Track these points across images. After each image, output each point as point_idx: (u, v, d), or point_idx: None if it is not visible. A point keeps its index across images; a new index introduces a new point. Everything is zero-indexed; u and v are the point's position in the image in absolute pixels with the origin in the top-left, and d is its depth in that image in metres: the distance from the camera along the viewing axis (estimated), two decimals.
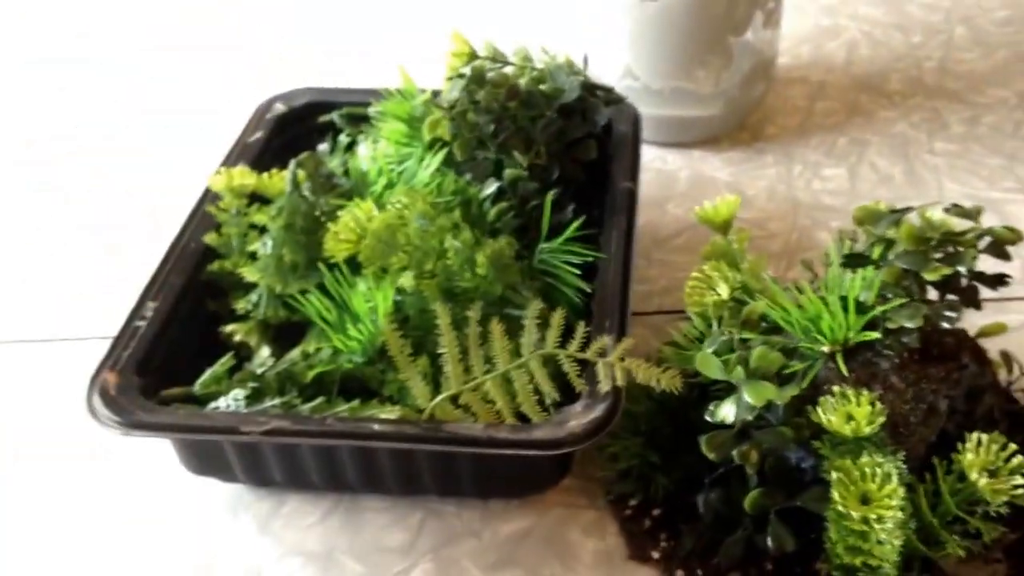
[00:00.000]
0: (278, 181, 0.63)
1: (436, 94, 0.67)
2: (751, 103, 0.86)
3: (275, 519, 0.56)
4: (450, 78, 0.66)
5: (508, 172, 0.60)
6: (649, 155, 0.85)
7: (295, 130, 0.73)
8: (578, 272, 0.58)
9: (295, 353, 0.54)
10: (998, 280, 0.54)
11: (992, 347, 0.56)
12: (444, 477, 0.54)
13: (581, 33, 0.86)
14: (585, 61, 0.69)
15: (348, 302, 0.55)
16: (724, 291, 0.54)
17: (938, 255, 0.50)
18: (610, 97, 0.68)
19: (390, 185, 0.62)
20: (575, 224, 0.59)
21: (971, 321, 0.55)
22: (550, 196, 0.60)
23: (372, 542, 0.55)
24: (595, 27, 0.83)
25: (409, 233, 0.54)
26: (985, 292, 0.68)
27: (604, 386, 0.49)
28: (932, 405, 0.48)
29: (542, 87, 0.65)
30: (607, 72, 0.83)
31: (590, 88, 0.67)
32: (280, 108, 0.74)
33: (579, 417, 0.48)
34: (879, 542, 0.43)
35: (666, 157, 0.85)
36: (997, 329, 0.59)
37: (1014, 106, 0.88)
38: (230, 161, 0.68)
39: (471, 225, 0.55)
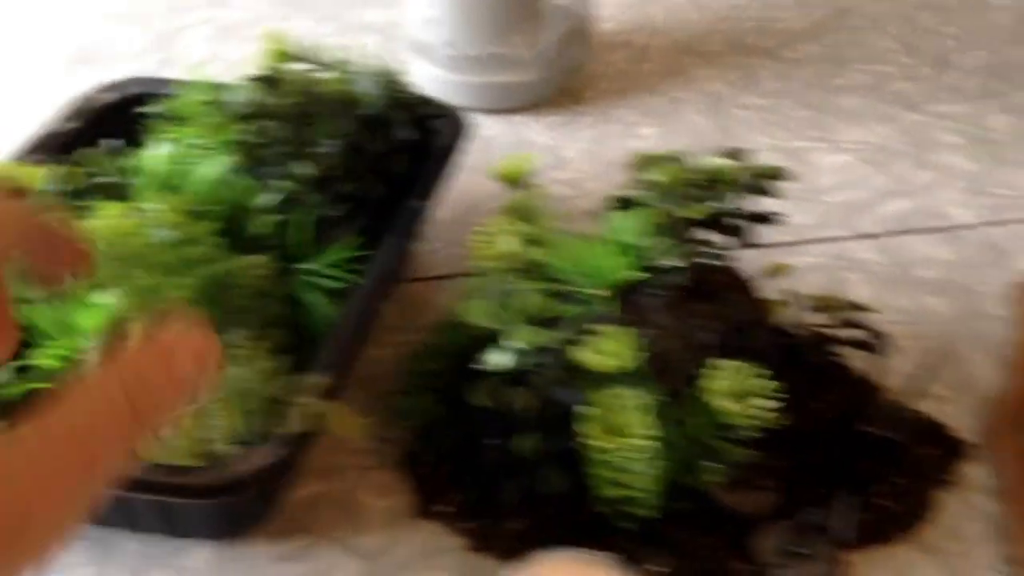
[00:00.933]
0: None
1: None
2: (570, 67, 0.86)
3: None
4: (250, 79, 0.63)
5: (279, 184, 0.56)
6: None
7: (119, 121, 0.69)
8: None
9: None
10: (765, 219, 0.55)
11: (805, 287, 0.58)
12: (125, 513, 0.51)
13: (406, 6, 0.85)
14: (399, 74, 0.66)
15: (66, 316, 0.50)
16: (508, 243, 0.54)
17: (701, 195, 0.51)
18: (427, 111, 0.65)
19: (168, 187, 0.58)
20: (344, 245, 0.56)
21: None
22: (312, 212, 0.56)
23: None
24: None
25: (143, 244, 0.50)
26: (784, 235, 0.71)
27: (288, 428, 0.45)
28: (700, 341, 0.48)
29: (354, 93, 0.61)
30: (431, 42, 0.82)
31: (399, 99, 0.63)
32: (105, 97, 0.70)
33: (246, 462, 0.44)
34: (635, 472, 0.43)
35: (488, 124, 0.84)
36: (782, 269, 0.61)
37: (825, 59, 0.90)
38: (26, 151, 0.64)
39: (235, 238, 0.52)
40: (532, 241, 0.54)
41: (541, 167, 0.77)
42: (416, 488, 0.54)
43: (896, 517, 0.52)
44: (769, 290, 0.60)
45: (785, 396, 0.53)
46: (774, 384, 0.44)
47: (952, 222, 0.71)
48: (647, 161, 0.55)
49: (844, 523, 0.48)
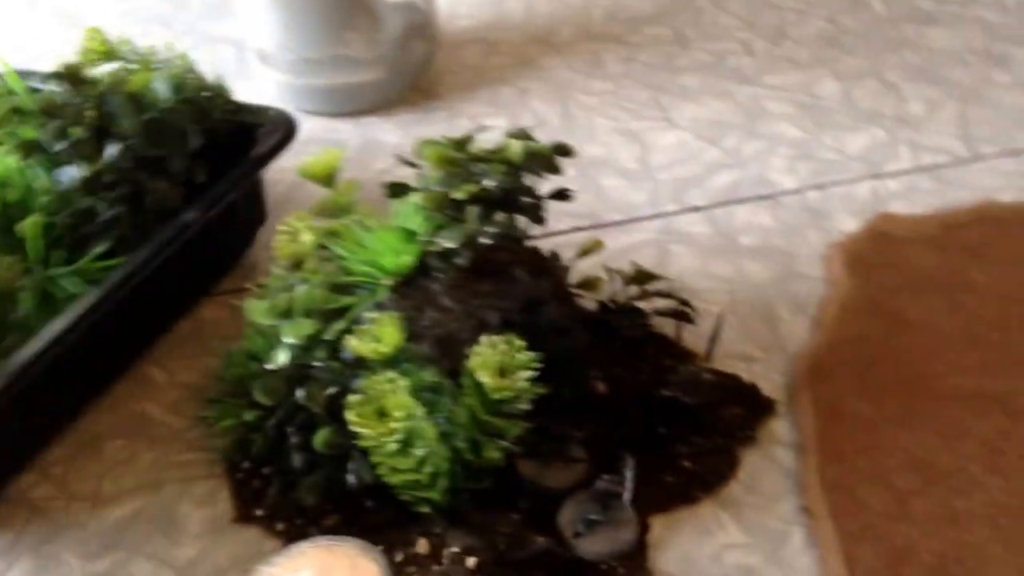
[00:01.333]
0: None
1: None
2: (415, 64, 0.87)
3: None
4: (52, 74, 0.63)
5: (48, 184, 0.56)
6: (320, 127, 0.84)
7: None
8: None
9: None
10: (562, 195, 0.57)
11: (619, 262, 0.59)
12: None
13: (243, 13, 0.85)
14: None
15: None
16: (303, 240, 0.54)
17: (478, 176, 0.52)
18: (247, 118, 0.64)
19: None
20: (96, 252, 0.55)
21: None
22: (76, 214, 0.56)
23: None
24: (250, 3, 0.83)
25: None
26: (614, 215, 0.72)
27: None
28: (482, 320, 0.49)
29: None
30: (270, 49, 0.83)
31: (198, 104, 0.62)
32: None
33: None
34: (412, 456, 0.44)
35: (337, 127, 0.85)
36: (594, 246, 0.62)
37: (669, 41, 0.92)
38: None
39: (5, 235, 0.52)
40: (331, 236, 0.54)
41: (388, 166, 0.78)
42: (234, 495, 0.54)
43: (700, 477, 0.53)
44: (585, 267, 0.61)
45: (579, 368, 0.55)
46: (533, 356, 0.45)
47: (776, 189, 0.73)
48: (422, 146, 0.56)
49: (631, 488, 0.50)
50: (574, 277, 0.59)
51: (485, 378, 0.43)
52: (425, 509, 0.48)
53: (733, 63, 0.88)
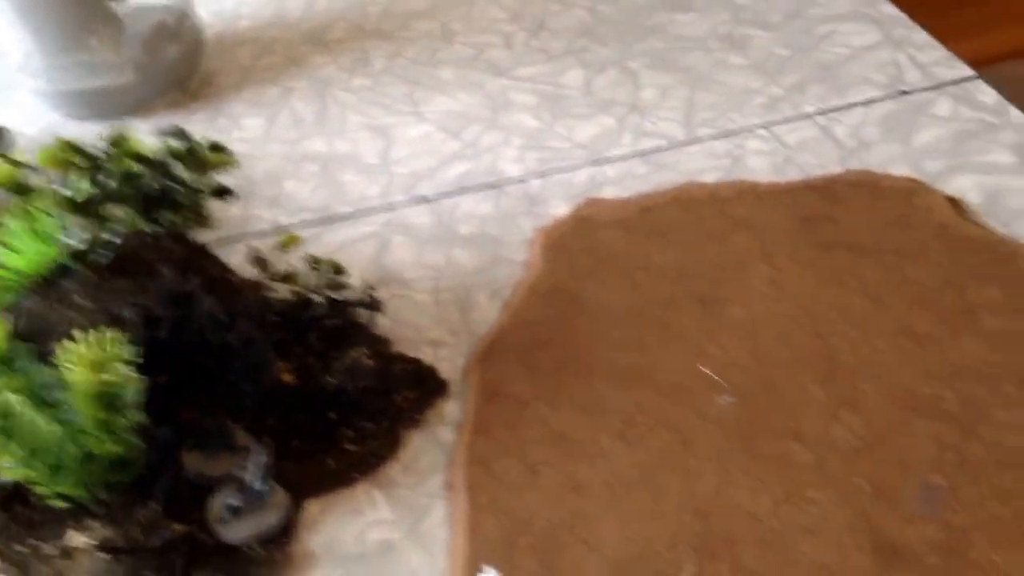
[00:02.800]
0: None
1: None
2: (169, 67, 0.88)
3: None
4: None
5: None
6: (81, 131, 0.85)
7: None
8: None
9: None
10: (223, 193, 0.58)
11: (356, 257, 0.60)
12: None
13: None
14: None
15: None
16: None
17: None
18: None
19: None
20: None
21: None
22: None
23: None
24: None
25: None
26: (345, 208, 0.74)
27: None
28: (117, 315, 0.51)
29: None
30: (19, 55, 0.83)
31: None
32: None
33: None
34: (17, 455, 0.45)
35: (95, 131, 0.85)
36: (292, 241, 0.64)
37: (435, 36, 0.94)
38: None
39: None
40: None
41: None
42: None
43: (361, 460, 0.55)
44: (285, 261, 0.63)
45: (256, 360, 0.56)
46: (128, 349, 0.46)
47: (501, 178, 0.76)
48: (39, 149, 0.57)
49: (259, 474, 0.51)
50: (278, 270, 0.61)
51: (75, 372, 0.45)
52: (60, 504, 0.50)
53: (490, 55, 0.90)
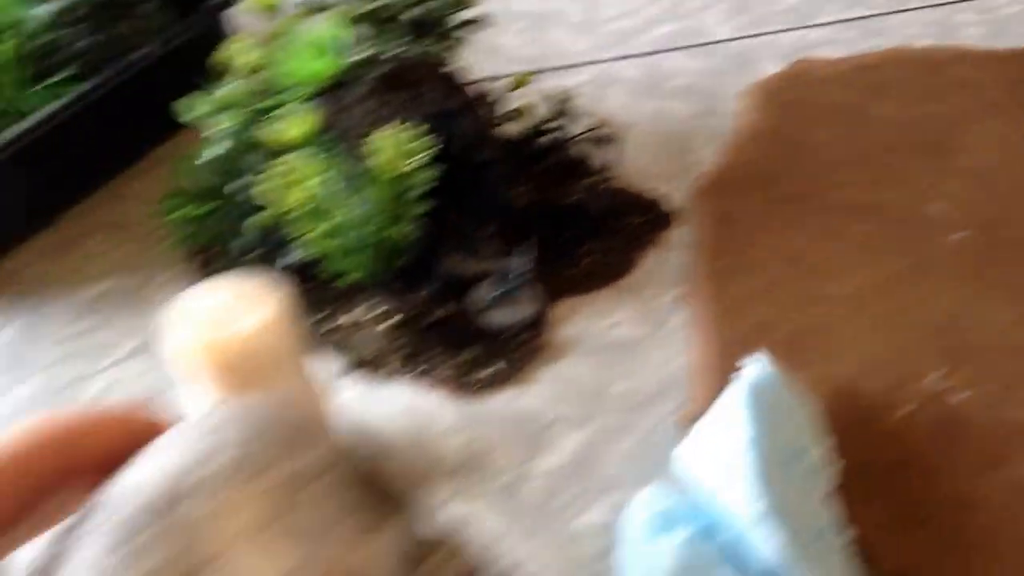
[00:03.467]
0: None
1: None
2: None
3: None
4: None
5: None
6: None
7: None
8: None
9: None
10: (475, 22, 0.62)
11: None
12: None
13: None
14: None
15: None
16: (244, 56, 0.60)
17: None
18: None
19: None
20: (64, 75, 0.63)
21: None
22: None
23: None
24: None
25: None
26: (555, 61, 0.77)
27: None
28: (387, 120, 0.55)
29: None
30: None
31: None
32: None
33: None
34: (326, 227, 0.51)
35: None
36: (525, 79, 0.68)
37: None
38: None
39: None
40: (269, 55, 0.60)
41: None
42: (196, 281, 0.62)
43: (599, 273, 0.60)
44: (517, 99, 0.67)
45: (494, 181, 0.61)
46: (431, 144, 0.51)
47: (710, 38, 0.78)
48: None
49: (533, 263, 0.56)
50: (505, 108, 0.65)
51: (380, 158, 0.50)
52: (347, 282, 0.55)
53: None
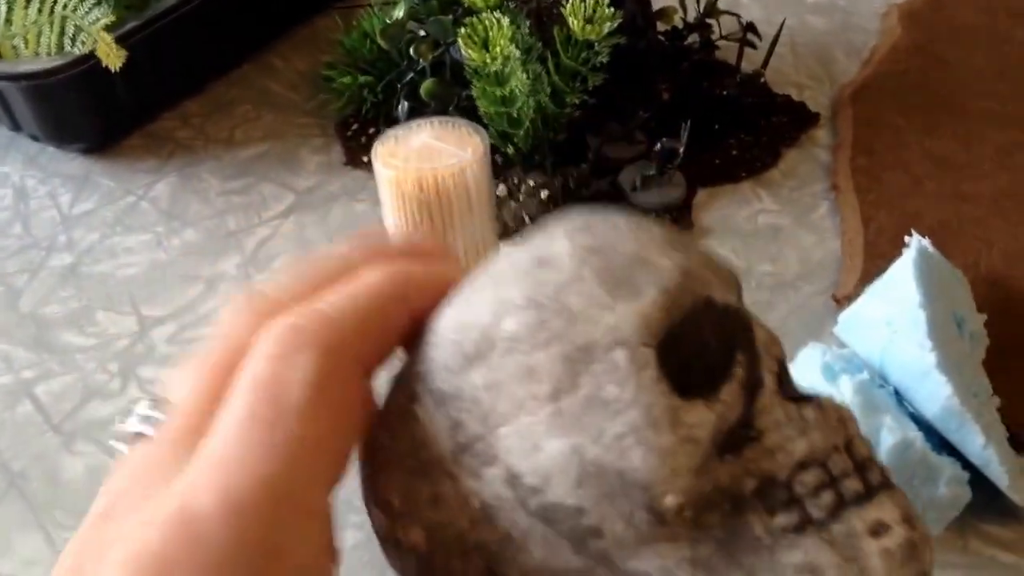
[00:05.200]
0: None
1: None
2: None
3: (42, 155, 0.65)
4: None
5: None
6: None
7: None
8: None
9: None
10: None
11: None
12: None
13: None
14: None
15: None
16: None
17: None
18: None
19: None
20: None
21: None
22: None
23: (126, 163, 0.64)
24: None
25: None
26: None
27: None
28: None
29: None
30: None
31: None
32: None
33: None
34: (509, 89, 0.52)
35: None
36: None
37: None
38: None
39: None
40: None
41: None
42: (345, 147, 0.64)
43: (745, 163, 0.61)
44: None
45: (647, 71, 0.62)
46: (618, 13, 0.52)
47: None
48: None
49: (684, 144, 0.57)
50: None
51: (574, 21, 0.51)
52: (510, 151, 0.57)
53: None
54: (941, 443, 0.42)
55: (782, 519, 0.24)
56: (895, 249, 0.47)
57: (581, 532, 0.25)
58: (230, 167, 0.64)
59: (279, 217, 0.60)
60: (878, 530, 0.25)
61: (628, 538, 0.24)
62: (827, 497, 0.24)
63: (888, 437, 0.40)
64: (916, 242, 0.46)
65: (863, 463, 0.25)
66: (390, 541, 0.26)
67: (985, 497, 0.41)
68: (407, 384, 0.27)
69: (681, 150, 0.57)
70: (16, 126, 0.64)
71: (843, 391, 0.41)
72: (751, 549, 0.24)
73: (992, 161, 0.58)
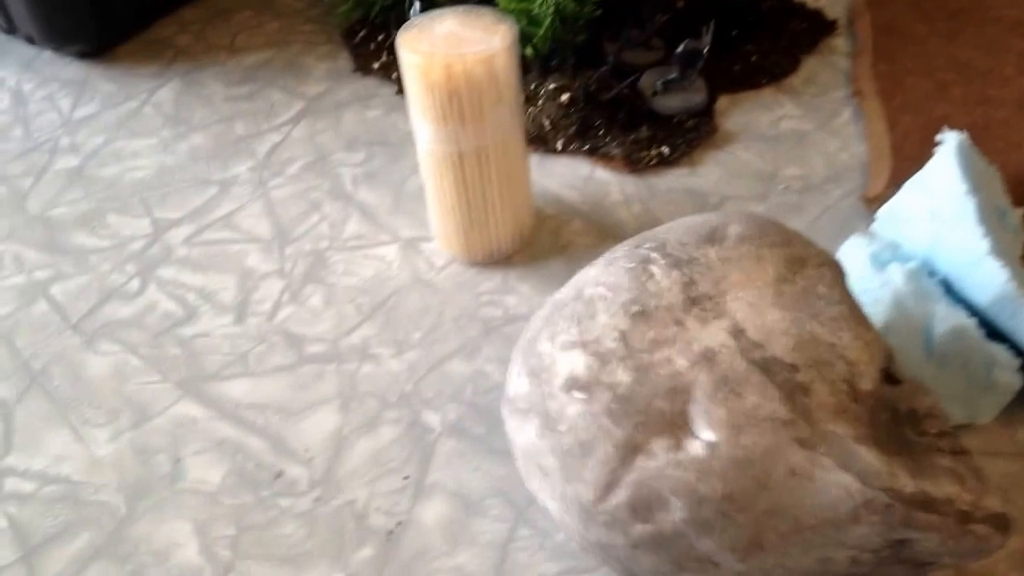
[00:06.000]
0: None
1: None
2: None
3: (37, 60, 0.62)
4: None
5: None
6: None
7: None
8: None
9: None
10: None
11: None
12: None
13: None
14: None
15: None
16: None
17: None
18: None
19: None
20: None
21: None
22: None
23: (125, 69, 0.61)
24: None
25: None
26: None
27: None
28: None
29: None
30: None
31: None
32: None
33: None
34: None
35: None
36: None
37: None
38: None
39: None
40: None
41: None
42: (353, 54, 0.62)
43: (764, 70, 0.61)
44: None
45: None
46: None
47: None
48: None
49: (708, 45, 0.56)
50: None
51: None
52: (529, 52, 0.56)
53: None
54: (991, 334, 0.42)
55: (924, 439, 0.31)
56: (924, 151, 0.46)
57: (793, 386, 0.29)
58: (234, 73, 0.61)
59: (289, 123, 0.58)
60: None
61: (829, 403, 0.29)
62: (948, 441, 0.31)
63: (940, 325, 0.40)
64: (954, 136, 0.45)
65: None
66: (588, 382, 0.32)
67: None
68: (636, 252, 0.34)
69: (705, 51, 0.56)
70: (12, 27, 0.61)
71: (895, 279, 0.41)
72: (908, 445, 0.30)
73: (1015, 67, 0.58)
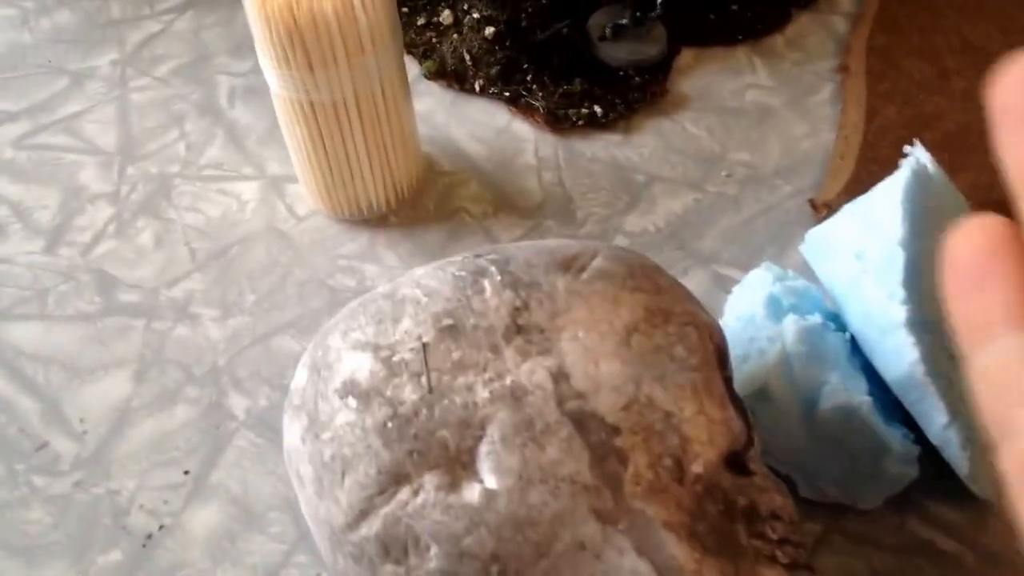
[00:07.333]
0: None
1: None
2: None
3: None
4: None
5: None
6: None
7: None
8: None
9: None
10: None
11: None
12: None
13: None
14: None
15: None
16: None
17: None
18: None
19: None
20: None
21: None
22: None
23: None
24: None
25: None
26: None
27: None
28: None
29: None
30: None
31: None
32: None
33: None
34: None
35: None
36: None
37: None
38: None
39: None
40: None
41: None
42: None
43: (745, 23, 0.51)
44: None
45: None
46: None
47: None
48: None
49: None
50: None
51: None
52: None
53: None
54: (896, 404, 0.34)
55: (758, 543, 0.26)
56: (895, 155, 0.37)
57: (607, 449, 0.25)
58: None
59: (174, 11, 0.50)
60: None
61: (646, 477, 0.25)
62: (789, 550, 0.26)
63: (829, 399, 0.33)
64: (915, 158, 0.36)
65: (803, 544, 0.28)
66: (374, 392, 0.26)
67: (934, 471, 0.34)
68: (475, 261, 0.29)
69: (642, 5, 0.47)
70: None
71: (786, 334, 0.33)
72: (735, 547, 0.26)
73: None
